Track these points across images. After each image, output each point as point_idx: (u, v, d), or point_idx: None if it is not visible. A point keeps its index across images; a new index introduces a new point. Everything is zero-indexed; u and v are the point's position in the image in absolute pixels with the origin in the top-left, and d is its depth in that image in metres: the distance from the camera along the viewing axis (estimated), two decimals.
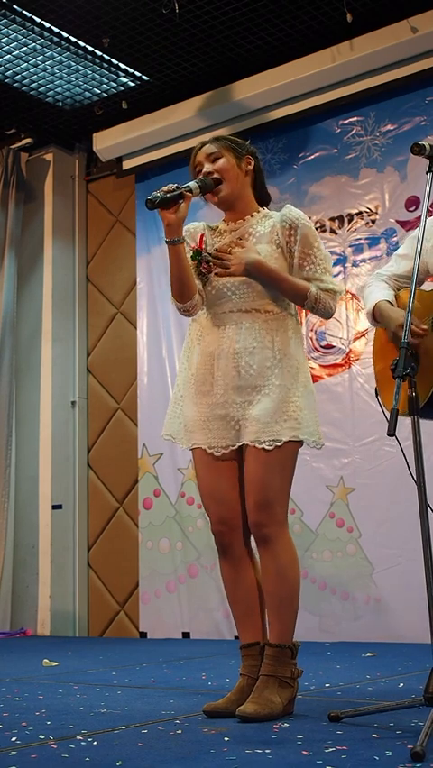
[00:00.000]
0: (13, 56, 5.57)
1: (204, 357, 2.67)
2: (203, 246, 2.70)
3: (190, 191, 2.61)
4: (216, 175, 2.68)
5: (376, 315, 2.75)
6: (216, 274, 2.65)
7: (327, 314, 2.67)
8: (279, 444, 2.54)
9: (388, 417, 2.25)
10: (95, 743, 2.20)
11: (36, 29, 5.29)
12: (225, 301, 2.66)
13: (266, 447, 2.54)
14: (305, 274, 2.64)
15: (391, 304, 2.74)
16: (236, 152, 2.71)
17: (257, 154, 2.79)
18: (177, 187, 2.59)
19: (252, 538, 2.68)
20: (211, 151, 2.71)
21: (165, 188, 2.58)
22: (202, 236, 2.73)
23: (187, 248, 2.68)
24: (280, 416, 2.55)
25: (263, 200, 2.81)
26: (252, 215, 2.73)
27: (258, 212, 2.75)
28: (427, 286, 2.86)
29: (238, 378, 2.60)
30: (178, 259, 2.61)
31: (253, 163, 2.75)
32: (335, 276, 2.90)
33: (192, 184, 2.64)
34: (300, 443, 2.62)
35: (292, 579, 2.59)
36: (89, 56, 5.59)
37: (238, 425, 2.60)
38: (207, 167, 2.69)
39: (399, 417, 2.14)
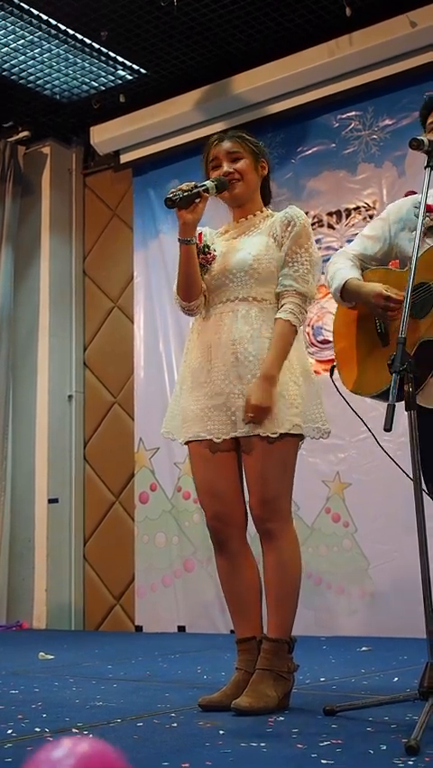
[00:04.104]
0: (11, 48, 5.55)
1: (201, 348, 2.69)
2: (202, 242, 2.74)
3: (207, 191, 2.62)
4: (236, 176, 2.69)
5: (344, 293, 2.73)
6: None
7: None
8: (281, 432, 2.54)
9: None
10: (90, 736, 2.19)
11: (34, 21, 5.27)
12: (223, 289, 2.68)
13: (270, 436, 2.54)
14: (286, 271, 2.64)
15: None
16: (256, 156, 2.75)
17: (269, 159, 2.83)
18: (195, 186, 2.60)
19: (253, 533, 2.68)
20: (232, 150, 2.72)
21: (183, 187, 2.59)
22: (201, 234, 2.76)
23: None
24: (283, 405, 2.56)
25: (266, 199, 2.84)
26: (255, 215, 2.77)
27: (261, 211, 2.79)
28: None
29: (237, 364, 2.60)
30: (189, 258, 2.65)
31: (266, 168, 2.79)
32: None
33: (209, 183, 2.65)
34: (301, 437, 2.64)
35: (293, 574, 2.60)
36: (87, 49, 5.57)
37: (235, 415, 2.60)
38: (227, 166, 2.70)
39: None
